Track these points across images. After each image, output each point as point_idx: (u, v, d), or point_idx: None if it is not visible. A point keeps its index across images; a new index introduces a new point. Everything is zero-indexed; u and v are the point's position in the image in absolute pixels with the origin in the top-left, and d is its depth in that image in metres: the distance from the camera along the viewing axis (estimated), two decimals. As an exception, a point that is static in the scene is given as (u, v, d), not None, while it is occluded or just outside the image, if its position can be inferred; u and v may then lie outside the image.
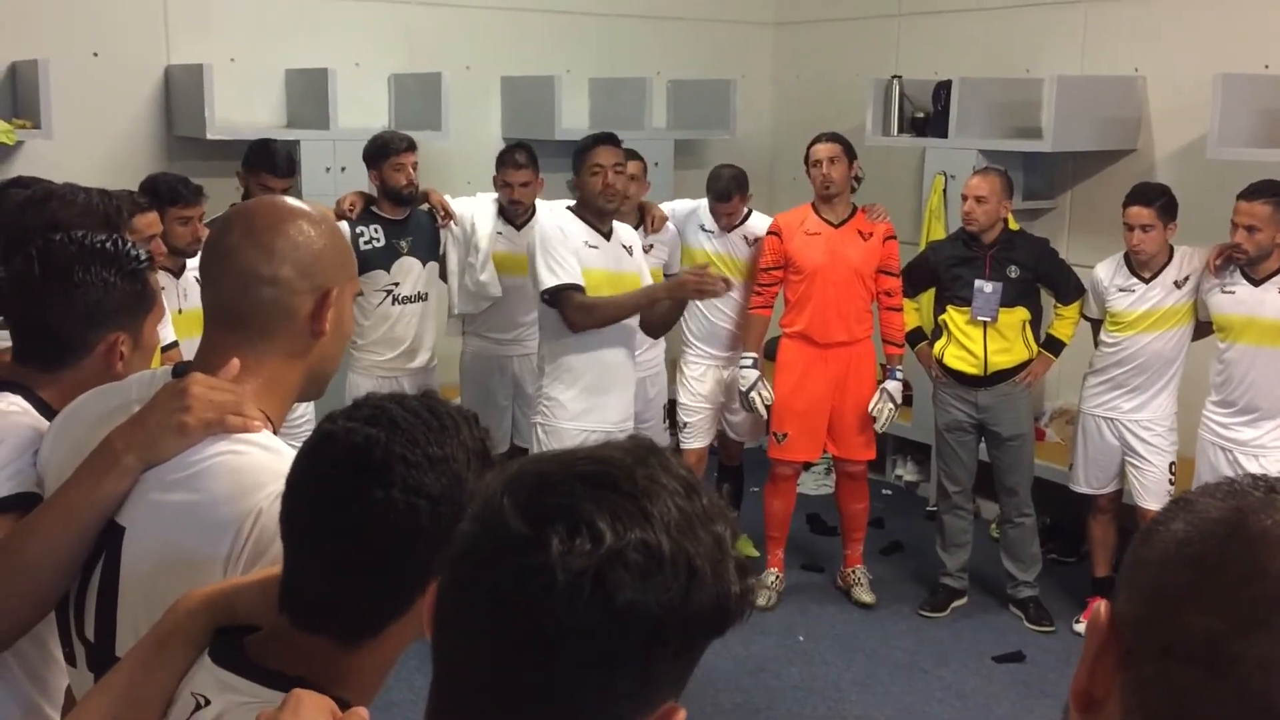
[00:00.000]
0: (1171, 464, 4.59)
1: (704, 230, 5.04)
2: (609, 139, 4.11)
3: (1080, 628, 4.71)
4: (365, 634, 1.14)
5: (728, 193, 4.90)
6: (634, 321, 4.14)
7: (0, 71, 4.85)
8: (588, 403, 4.06)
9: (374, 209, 4.67)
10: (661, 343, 5.01)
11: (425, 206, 4.80)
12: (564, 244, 3.99)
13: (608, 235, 4.10)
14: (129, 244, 1.81)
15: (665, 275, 5.12)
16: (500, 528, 0.82)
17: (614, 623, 0.80)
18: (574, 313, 3.96)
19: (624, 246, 4.16)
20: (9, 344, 1.85)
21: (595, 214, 4.07)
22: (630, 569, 0.80)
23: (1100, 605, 0.81)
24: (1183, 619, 0.74)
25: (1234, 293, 4.30)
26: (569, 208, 4.17)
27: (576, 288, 3.94)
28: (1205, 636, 0.73)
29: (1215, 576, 0.74)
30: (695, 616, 0.83)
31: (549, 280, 3.94)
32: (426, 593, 1.07)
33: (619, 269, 4.10)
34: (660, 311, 4.11)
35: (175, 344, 3.66)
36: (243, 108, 5.27)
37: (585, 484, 0.83)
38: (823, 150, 4.72)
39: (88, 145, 4.91)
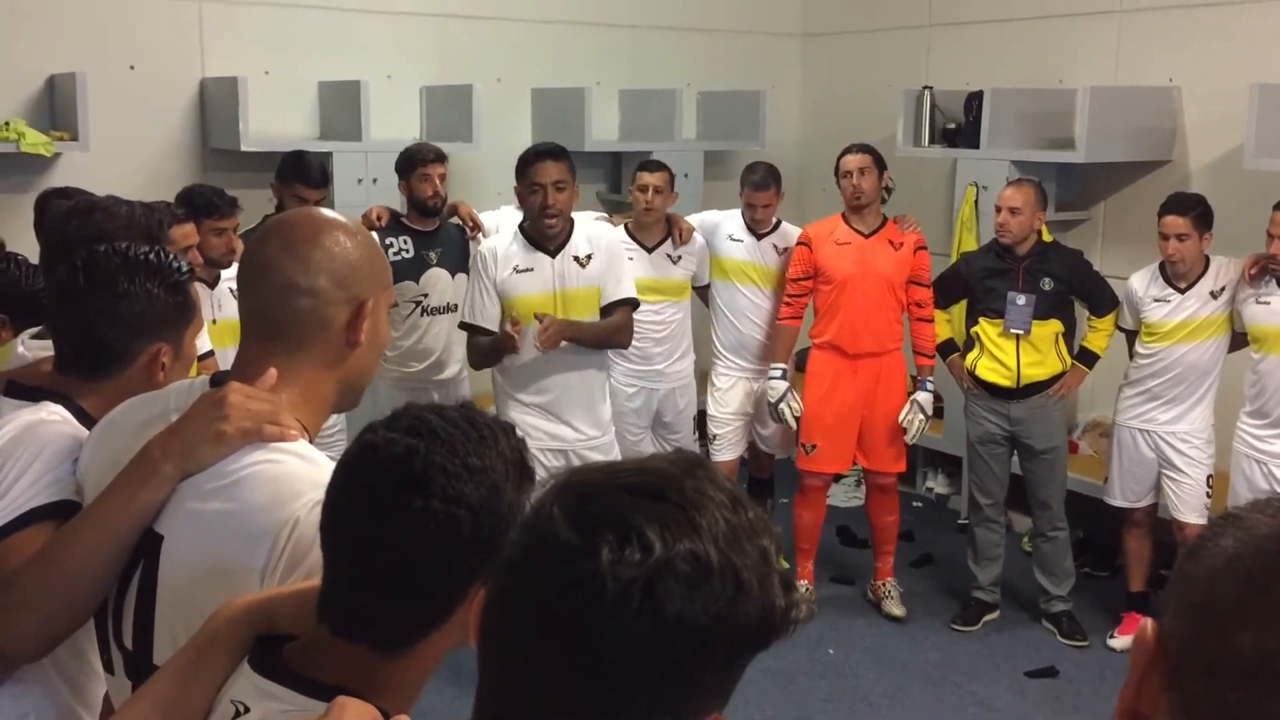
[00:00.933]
0: (1209, 477, 4.54)
1: (732, 239, 5.04)
2: (552, 152, 3.93)
3: (1114, 643, 4.66)
4: (404, 644, 1.14)
5: (765, 181, 4.91)
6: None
7: (39, 84, 4.91)
8: (545, 425, 4.04)
9: (403, 220, 4.69)
10: (691, 354, 5.01)
11: (454, 219, 4.83)
12: (485, 275, 3.98)
13: (554, 251, 4.00)
14: (171, 256, 1.82)
15: (694, 287, 5.15)
16: (550, 537, 0.83)
17: (662, 633, 0.80)
18: (469, 355, 4.15)
19: (577, 259, 4.02)
20: (51, 354, 1.87)
21: (537, 233, 4.00)
22: (679, 579, 0.80)
23: (1146, 622, 0.80)
24: (1231, 636, 0.73)
25: (1269, 303, 4.26)
26: (519, 224, 4.10)
27: (474, 329, 4.03)
28: (1254, 653, 0.72)
29: (1265, 593, 0.73)
30: (741, 628, 0.83)
31: (463, 314, 4.13)
32: (466, 602, 1.08)
33: (563, 287, 3.98)
34: (588, 340, 4.03)
35: (211, 353, 3.70)
36: (276, 120, 5.32)
37: (634, 494, 0.83)
38: (853, 161, 4.71)
39: (124, 157, 4.97)
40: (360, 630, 1.14)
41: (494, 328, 3.99)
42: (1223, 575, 0.76)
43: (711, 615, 0.81)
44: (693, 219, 5.10)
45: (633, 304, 4.14)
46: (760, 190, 4.91)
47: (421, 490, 1.10)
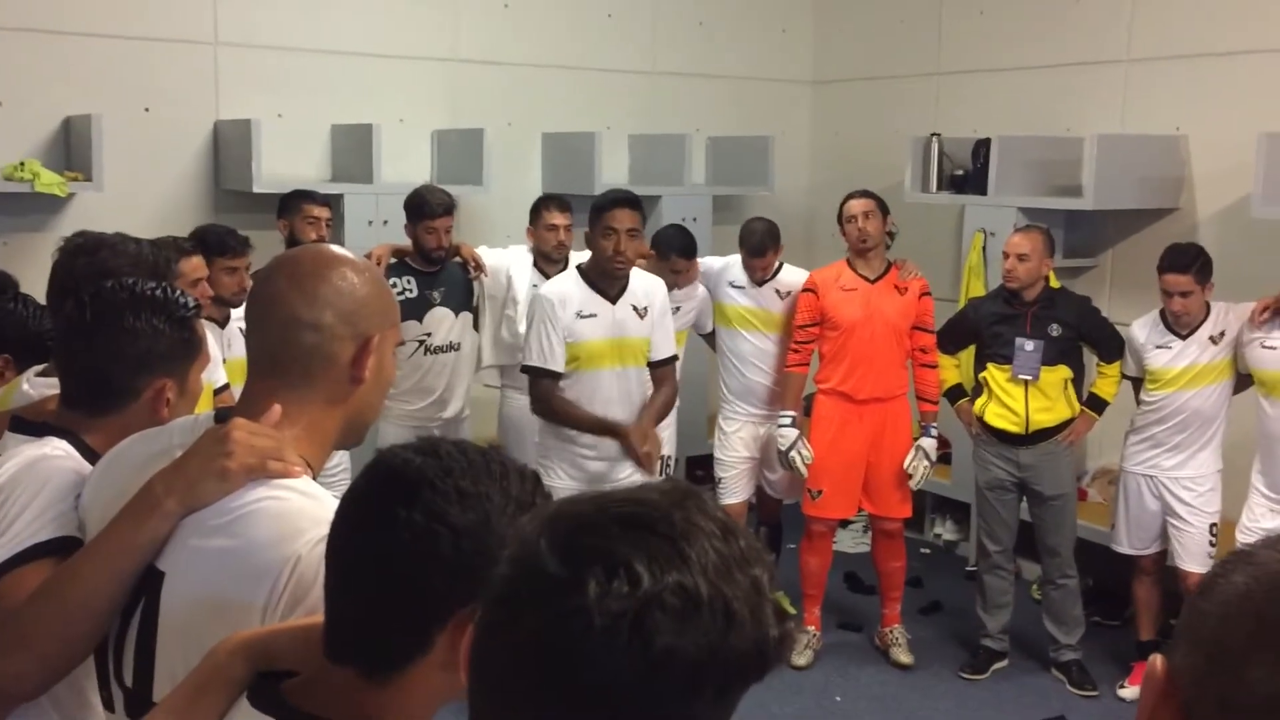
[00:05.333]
0: (1212, 525, 4.51)
1: (734, 286, 5.04)
2: (629, 200, 4.01)
3: (1124, 693, 4.61)
4: (388, 668, 1.13)
5: (762, 248, 4.91)
6: (641, 385, 4.11)
7: (54, 125, 4.96)
8: (588, 465, 4.04)
9: (408, 261, 4.73)
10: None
11: (457, 259, 4.86)
12: (554, 321, 3.98)
13: (615, 298, 4.05)
14: (178, 291, 1.83)
15: (699, 334, 5.15)
16: (537, 570, 0.82)
17: (652, 667, 0.79)
18: (536, 400, 4.06)
19: (635, 308, 4.08)
20: (56, 391, 1.87)
21: (602, 276, 4.04)
22: (668, 612, 0.79)
23: (1157, 658, 0.80)
24: (1243, 673, 0.73)
25: (1275, 348, 4.24)
26: (578, 267, 4.15)
27: (549, 374, 3.99)
28: (1266, 691, 0.72)
29: (1276, 631, 0.73)
30: (733, 661, 0.82)
31: (529, 358, 4.04)
32: (446, 631, 1.07)
33: (622, 335, 4.03)
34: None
35: (227, 386, 3.72)
36: (288, 162, 5.36)
37: (622, 526, 0.82)
38: (857, 206, 4.73)
39: (138, 198, 5.01)
40: (347, 650, 1.14)
41: (561, 370, 4.00)
42: (1235, 612, 0.76)
43: (702, 648, 0.80)
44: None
45: (675, 358, 4.25)
46: (757, 257, 4.92)
47: (406, 501, 1.10)
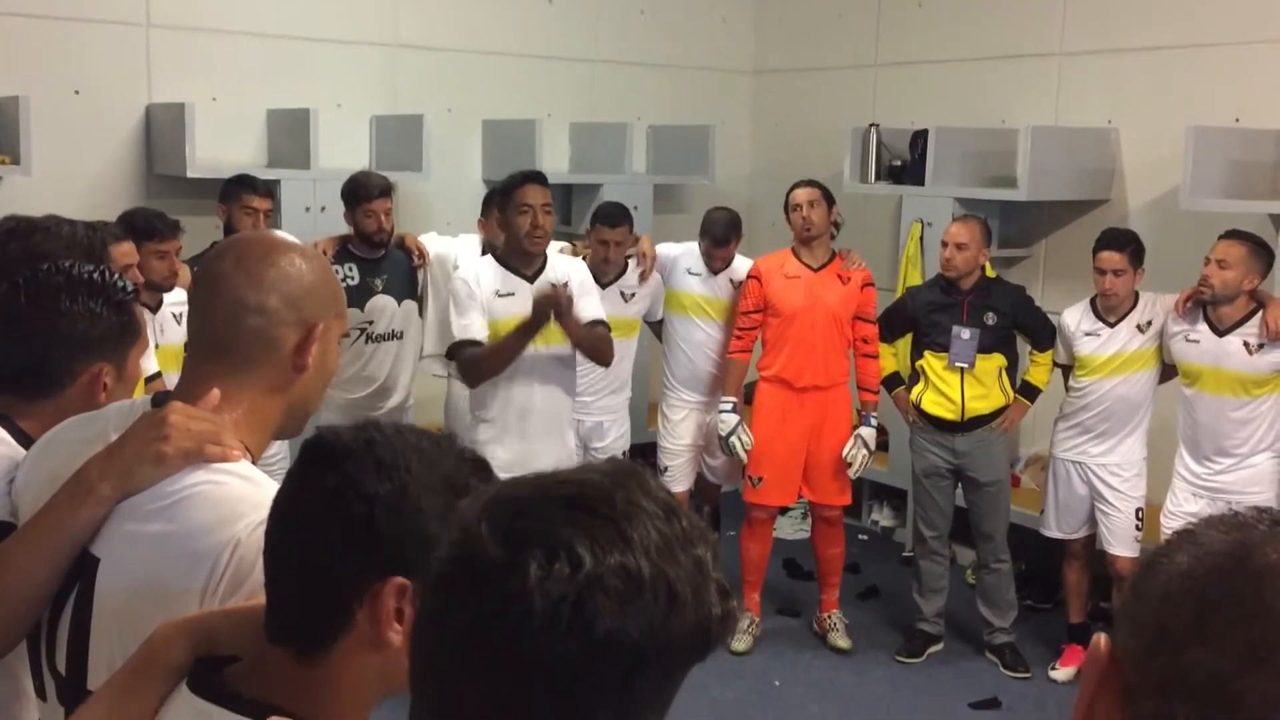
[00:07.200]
0: (1139, 510, 4.61)
1: (690, 274, 5.05)
2: (539, 177, 4.07)
3: (1056, 674, 4.70)
4: (317, 645, 1.12)
5: (726, 237, 4.94)
6: (562, 365, 4.11)
7: (-20, 107, 4.84)
8: (516, 451, 4.02)
9: (350, 248, 4.68)
10: (626, 390, 4.96)
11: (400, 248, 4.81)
12: (471, 298, 3.99)
13: (532, 278, 4.04)
14: (116, 275, 1.80)
15: (648, 322, 5.15)
16: (477, 554, 0.81)
17: (594, 650, 0.79)
18: (462, 371, 4.05)
19: (554, 287, 4.06)
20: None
21: (519, 256, 4.05)
22: (610, 595, 0.79)
23: (1100, 638, 0.80)
24: (1184, 655, 0.73)
25: (1198, 341, 4.34)
26: (492, 253, 4.16)
27: (468, 343, 3.96)
28: (1207, 674, 0.71)
29: (1218, 612, 0.73)
30: (676, 642, 0.82)
31: (456, 333, 4.03)
32: (364, 605, 1.06)
33: None
34: (581, 338, 4.03)
35: (159, 374, 3.65)
36: (223, 147, 5.27)
37: (563, 508, 0.82)
38: (802, 194, 4.76)
39: (67, 182, 4.90)
40: (277, 626, 1.13)
41: (482, 339, 3.98)
42: (1176, 592, 0.75)
43: (644, 630, 0.80)
44: (650, 252, 5.11)
45: (605, 325, 4.21)
46: (721, 246, 4.95)
47: (324, 467, 1.10)
